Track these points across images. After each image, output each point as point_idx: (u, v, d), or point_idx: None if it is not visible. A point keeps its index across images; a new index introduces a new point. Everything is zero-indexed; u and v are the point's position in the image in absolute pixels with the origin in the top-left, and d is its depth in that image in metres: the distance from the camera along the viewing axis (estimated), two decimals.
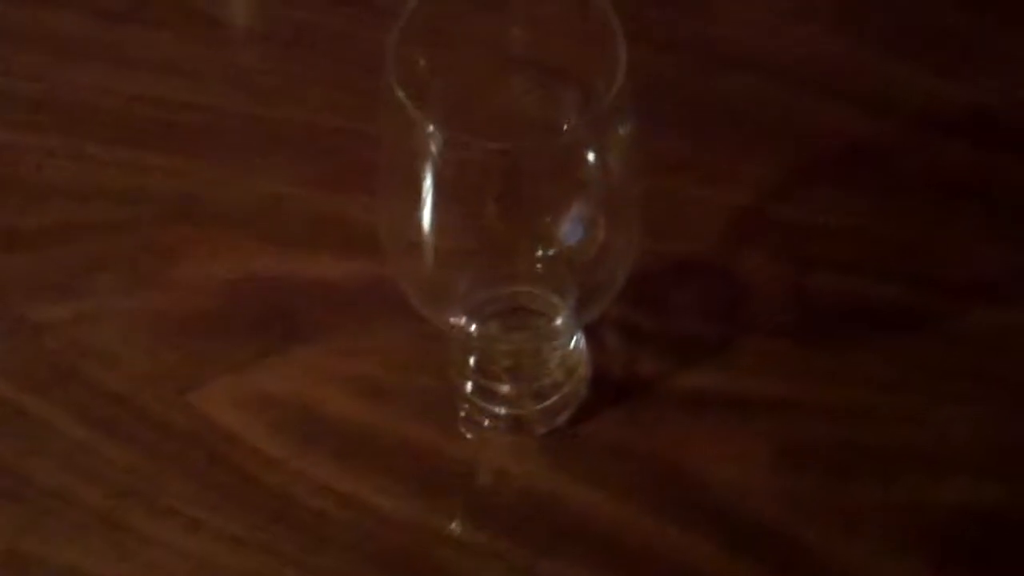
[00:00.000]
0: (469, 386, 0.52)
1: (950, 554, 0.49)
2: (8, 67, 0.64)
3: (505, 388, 0.52)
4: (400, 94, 0.37)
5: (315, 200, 0.58)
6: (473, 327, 0.47)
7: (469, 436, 0.52)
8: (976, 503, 0.51)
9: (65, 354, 0.54)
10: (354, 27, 0.63)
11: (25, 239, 0.58)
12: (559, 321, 0.48)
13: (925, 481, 0.51)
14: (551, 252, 0.46)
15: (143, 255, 0.57)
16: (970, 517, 0.50)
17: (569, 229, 0.44)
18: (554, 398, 0.52)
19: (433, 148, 0.39)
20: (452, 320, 0.46)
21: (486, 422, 0.52)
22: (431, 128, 0.38)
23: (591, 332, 0.54)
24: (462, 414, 0.52)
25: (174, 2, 0.66)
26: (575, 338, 0.53)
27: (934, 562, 0.49)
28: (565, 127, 0.38)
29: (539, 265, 0.47)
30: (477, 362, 0.52)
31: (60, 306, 0.56)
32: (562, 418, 0.53)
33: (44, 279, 0.57)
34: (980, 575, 0.50)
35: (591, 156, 0.40)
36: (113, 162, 0.60)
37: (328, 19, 0.65)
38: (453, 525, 0.50)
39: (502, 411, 0.52)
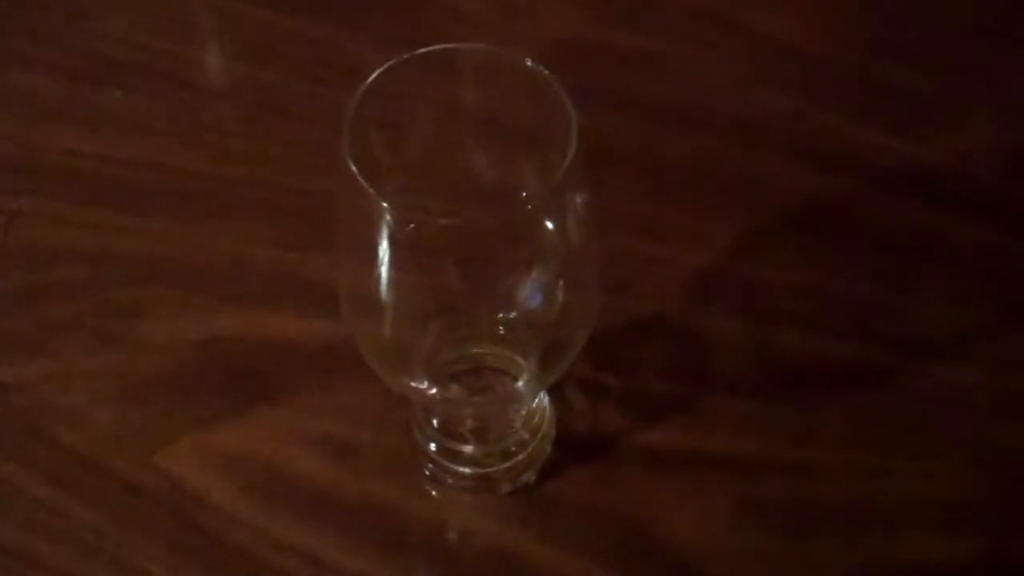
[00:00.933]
0: (433, 446, 0.52)
1: None
2: None
3: (469, 448, 0.52)
4: (354, 169, 0.38)
5: (280, 260, 0.59)
6: (434, 390, 0.47)
7: (434, 495, 0.52)
8: (934, 559, 0.51)
9: (32, 414, 0.54)
10: (320, 89, 0.64)
11: None
12: (521, 383, 0.48)
13: (884, 538, 0.51)
14: (512, 315, 0.46)
15: (109, 316, 0.57)
16: (929, 574, 0.51)
17: (529, 293, 0.44)
18: (519, 457, 0.53)
19: (388, 218, 0.39)
20: (413, 384, 0.46)
21: (451, 481, 0.53)
22: (384, 203, 0.38)
23: (555, 391, 0.54)
24: (427, 473, 0.53)
25: (145, 64, 0.67)
26: (539, 397, 0.53)
27: None
28: (524, 195, 0.38)
29: (500, 328, 0.48)
30: (441, 423, 0.53)
31: (27, 366, 0.56)
32: (527, 476, 0.53)
33: (11, 339, 0.57)
34: None
35: (548, 224, 0.41)
36: (80, 223, 0.60)
37: (295, 82, 0.65)
38: None
39: (467, 471, 0.52)
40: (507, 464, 0.52)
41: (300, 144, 0.62)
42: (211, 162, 0.62)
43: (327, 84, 0.64)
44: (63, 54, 0.67)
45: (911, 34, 0.68)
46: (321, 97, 0.64)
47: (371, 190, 0.38)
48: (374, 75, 0.40)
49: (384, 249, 0.41)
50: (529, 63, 0.40)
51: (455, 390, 0.49)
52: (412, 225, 0.39)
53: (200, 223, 0.60)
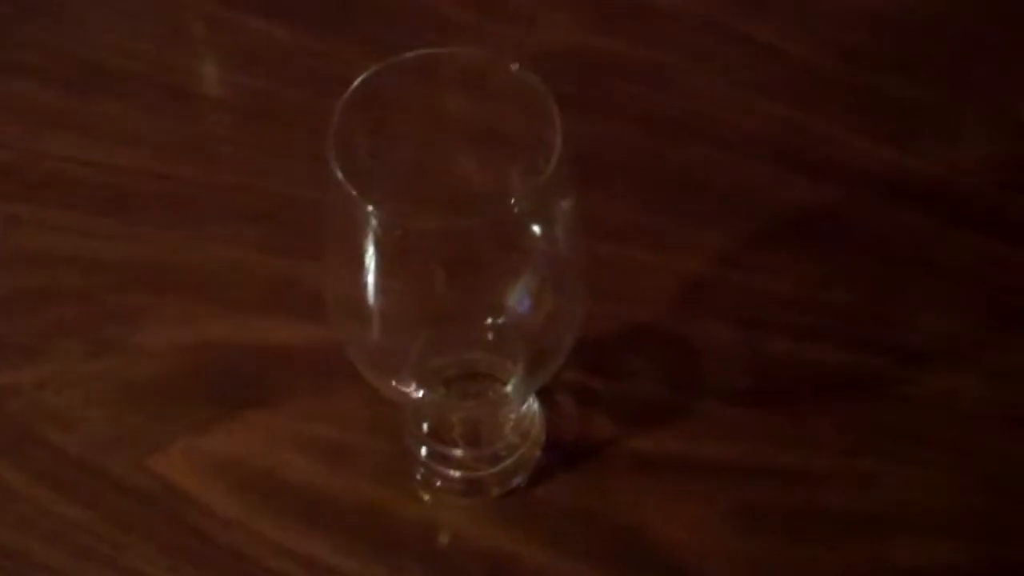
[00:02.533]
0: (424, 450, 0.53)
1: None
2: None
3: (459, 452, 0.53)
4: (339, 173, 0.38)
5: (273, 266, 0.59)
6: (424, 397, 0.47)
7: (426, 498, 0.53)
8: (928, 565, 0.51)
9: (27, 417, 0.55)
10: (312, 97, 0.64)
11: None
12: (510, 387, 0.48)
13: (878, 544, 0.51)
14: (500, 320, 0.47)
15: (104, 321, 0.58)
16: None
17: (517, 298, 0.45)
18: (509, 461, 0.53)
19: (375, 223, 0.39)
20: (403, 389, 0.47)
21: (441, 484, 0.53)
22: (370, 207, 0.38)
23: (545, 395, 0.55)
24: (418, 477, 0.53)
25: (139, 73, 0.67)
26: (529, 401, 0.53)
27: None
28: (512, 200, 0.39)
29: (489, 333, 0.48)
30: (431, 428, 0.53)
31: (22, 371, 0.56)
32: (517, 480, 0.53)
33: (6, 344, 0.57)
34: None
35: (536, 228, 0.41)
36: (76, 229, 0.61)
37: (288, 90, 0.66)
38: None
39: (457, 474, 0.53)
40: (497, 468, 0.53)
41: (293, 152, 0.63)
42: (205, 170, 0.63)
43: (320, 92, 0.63)
44: (58, 63, 0.67)
45: (907, 45, 0.68)
46: (314, 105, 0.62)
47: (357, 195, 0.38)
48: (358, 80, 0.40)
49: (371, 255, 0.41)
50: (515, 67, 0.40)
51: (444, 394, 0.49)
52: (399, 231, 0.40)
53: (194, 230, 0.61)
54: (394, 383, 0.46)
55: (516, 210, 0.39)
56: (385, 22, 0.68)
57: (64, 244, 0.60)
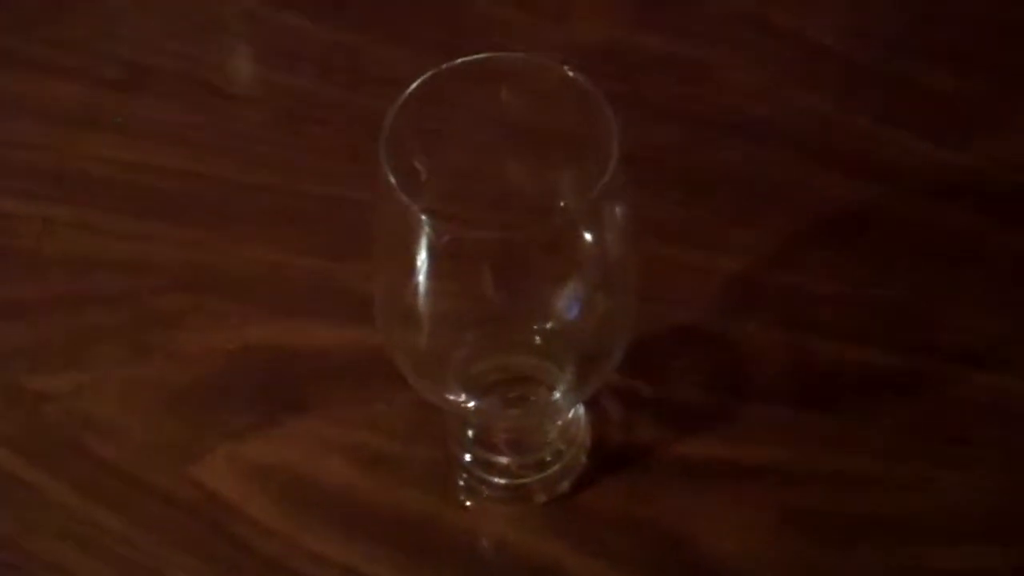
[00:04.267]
0: (468, 457, 0.52)
1: None
2: (12, 136, 0.64)
3: (504, 460, 0.52)
4: (392, 179, 0.38)
5: (314, 269, 0.59)
6: (471, 404, 0.47)
7: (468, 505, 0.52)
8: (978, 569, 0.51)
9: (65, 425, 0.55)
10: (354, 96, 0.64)
11: (26, 309, 0.58)
12: (557, 395, 0.48)
13: (927, 548, 0.51)
14: (549, 325, 0.46)
15: (143, 325, 0.57)
16: None
17: (566, 304, 0.44)
18: (554, 467, 0.52)
19: (427, 230, 0.39)
20: (449, 396, 0.46)
21: (485, 491, 0.52)
22: (423, 217, 0.38)
23: (590, 400, 0.54)
24: (461, 483, 0.53)
25: (177, 72, 0.67)
26: (574, 407, 0.53)
27: None
28: (562, 205, 0.38)
29: (537, 338, 0.48)
30: (476, 435, 0.53)
31: (60, 377, 0.56)
32: (562, 486, 0.53)
33: (45, 349, 0.57)
34: None
35: (587, 236, 0.41)
36: (114, 231, 0.60)
37: (329, 88, 0.65)
38: None
39: (502, 481, 0.52)
40: (542, 474, 0.52)
41: (333, 152, 0.62)
42: (244, 170, 0.62)
43: (359, 91, 0.64)
44: (94, 62, 0.67)
45: (948, 37, 0.67)
46: (354, 104, 0.64)
47: (409, 202, 0.38)
48: (414, 85, 0.40)
49: (421, 260, 0.41)
50: (570, 72, 0.40)
51: (491, 402, 0.49)
52: (449, 237, 0.39)
53: (232, 231, 0.60)
54: (440, 389, 0.46)
55: (568, 218, 0.39)
56: (423, 20, 0.68)
57: (102, 247, 0.60)
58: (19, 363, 0.56)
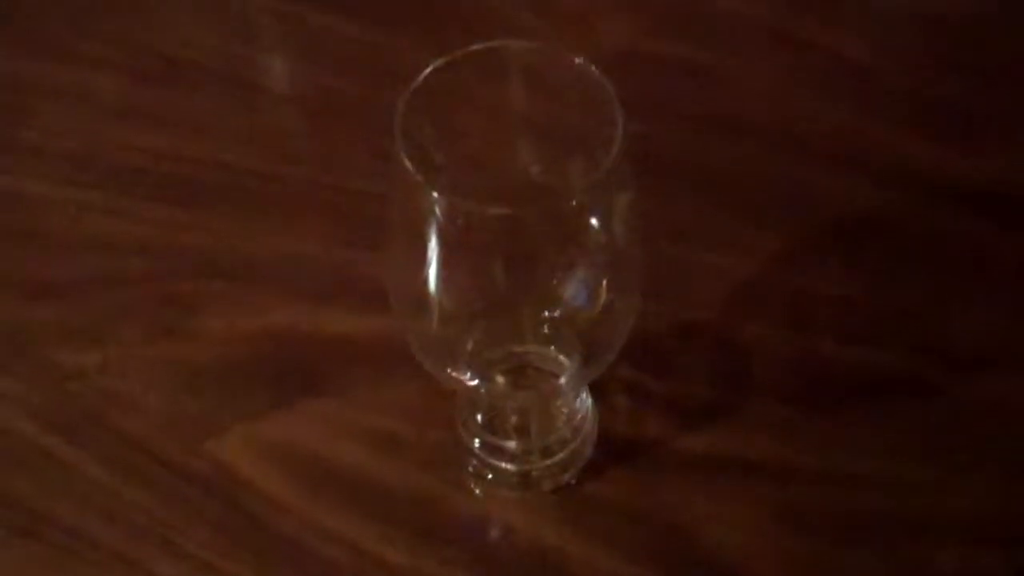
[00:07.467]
0: (477, 442, 0.53)
1: None
2: (49, 125, 0.66)
3: (512, 444, 0.53)
4: (405, 159, 0.39)
5: (334, 258, 0.60)
6: (478, 382, 0.48)
7: (477, 491, 0.53)
8: (975, 571, 0.51)
9: (90, 399, 0.56)
10: (377, 92, 0.64)
11: (57, 288, 0.60)
12: (563, 380, 0.49)
13: (925, 548, 0.51)
14: (556, 313, 0.47)
15: (168, 307, 0.59)
16: None
17: (573, 291, 0.45)
18: (561, 455, 0.53)
19: (438, 211, 0.40)
20: (458, 376, 0.47)
21: (493, 477, 0.53)
22: (435, 194, 0.39)
23: (598, 392, 0.55)
24: (470, 469, 0.54)
25: (207, 66, 0.68)
26: (582, 397, 0.54)
27: None
28: (571, 191, 0.39)
29: (544, 326, 0.48)
30: (484, 419, 0.53)
31: (87, 353, 0.57)
32: (568, 475, 0.53)
33: (73, 327, 0.58)
34: None
35: (594, 221, 0.41)
36: (143, 217, 0.62)
37: (353, 85, 0.67)
38: None
39: (510, 467, 0.53)
40: (548, 462, 0.53)
41: (358, 146, 0.64)
42: (270, 162, 0.64)
43: (386, 88, 0.64)
44: (131, 56, 0.69)
45: (967, 47, 0.67)
46: (379, 101, 0.63)
47: (421, 179, 0.39)
48: (424, 73, 0.41)
49: (433, 243, 0.41)
50: (578, 61, 0.41)
51: (499, 382, 0.50)
52: (460, 219, 0.40)
53: (258, 220, 0.62)
54: (450, 371, 0.47)
55: (575, 201, 0.40)
56: (446, 21, 0.69)
57: (132, 231, 0.61)
58: (48, 339, 0.58)
